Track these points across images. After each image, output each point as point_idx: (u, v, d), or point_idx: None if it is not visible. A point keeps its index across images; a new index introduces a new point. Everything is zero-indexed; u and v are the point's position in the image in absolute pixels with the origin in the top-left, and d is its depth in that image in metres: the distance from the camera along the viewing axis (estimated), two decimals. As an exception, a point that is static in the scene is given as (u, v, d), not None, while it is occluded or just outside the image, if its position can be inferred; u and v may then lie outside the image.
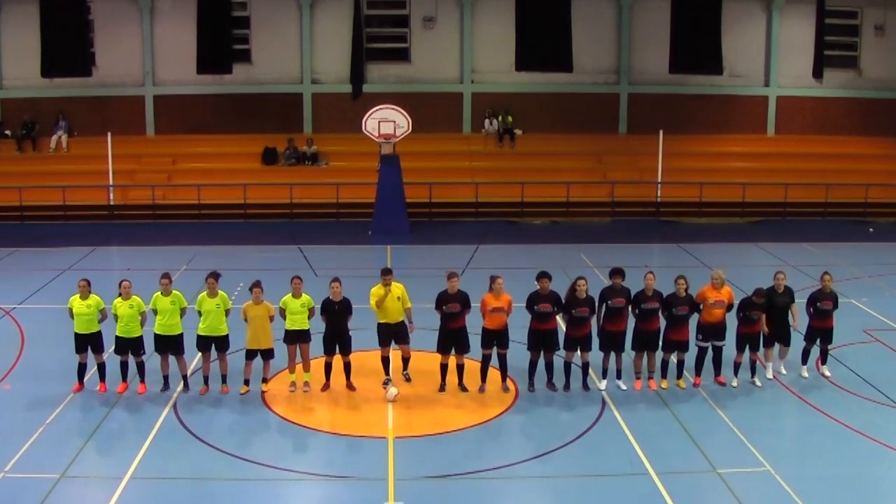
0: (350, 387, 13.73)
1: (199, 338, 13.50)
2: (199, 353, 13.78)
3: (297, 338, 13.57)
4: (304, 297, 13.61)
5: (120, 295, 13.36)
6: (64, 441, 11.77)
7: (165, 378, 13.55)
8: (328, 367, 13.74)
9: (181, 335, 13.50)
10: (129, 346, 13.41)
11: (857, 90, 33.04)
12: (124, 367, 13.52)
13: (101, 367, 13.52)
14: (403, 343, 13.83)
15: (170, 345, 13.44)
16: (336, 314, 13.51)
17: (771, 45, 32.74)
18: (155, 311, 13.37)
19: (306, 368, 13.76)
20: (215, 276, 13.63)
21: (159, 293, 13.39)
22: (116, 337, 13.43)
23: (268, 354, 13.59)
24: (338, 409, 13.12)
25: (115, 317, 13.32)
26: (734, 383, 13.98)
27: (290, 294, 13.60)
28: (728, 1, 30.01)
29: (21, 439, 11.71)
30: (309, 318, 13.62)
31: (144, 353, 13.55)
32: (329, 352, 13.66)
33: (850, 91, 33.01)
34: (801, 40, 31.49)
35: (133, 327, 13.35)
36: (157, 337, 13.45)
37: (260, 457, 11.44)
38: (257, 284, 13.47)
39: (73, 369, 13.48)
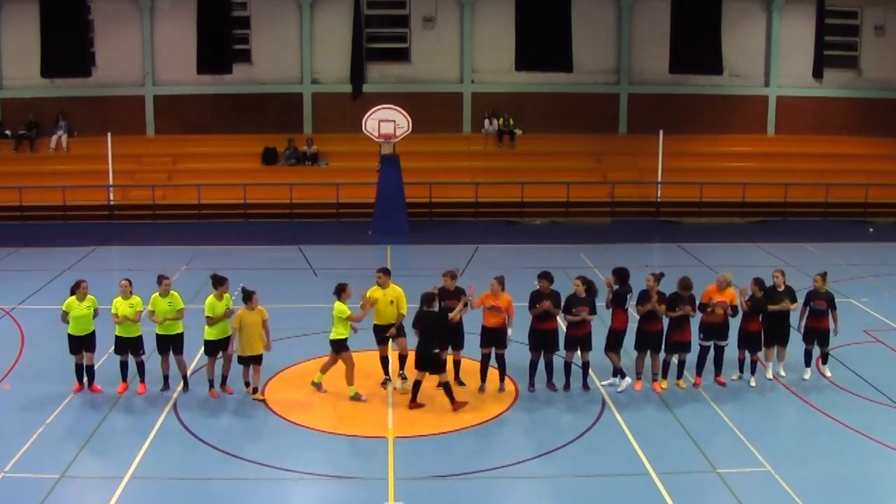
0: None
1: (211, 342, 13.30)
2: (205, 355, 13.56)
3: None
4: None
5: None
6: (64, 441, 11.77)
7: (165, 378, 13.51)
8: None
9: (182, 334, 13.46)
10: (129, 346, 13.38)
11: (857, 90, 33.05)
12: (124, 367, 13.48)
13: (91, 369, 13.47)
14: (399, 337, 13.77)
15: (171, 344, 13.38)
16: None
17: (771, 45, 32.74)
18: (152, 313, 13.25)
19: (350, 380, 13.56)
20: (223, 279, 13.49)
21: (157, 295, 13.32)
22: (116, 337, 13.39)
23: (258, 360, 13.36)
24: (338, 409, 13.11)
25: (116, 316, 13.25)
26: (734, 377, 14.01)
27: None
28: (728, 1, 30.02)
29: (21, 439, 11.70)
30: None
31: (144, 352, 13.52)
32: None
33: (850, 91, 33.02)
34: (801, 40, 31.50)
35: (133, 327, 13.32)
36: (159, 337, 13.40)
37: (260, 457, 11.44)
38: (252, 292, 13.22)
39: (73, 370, 13.43)
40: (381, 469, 11.15)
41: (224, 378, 13.55)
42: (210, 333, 13.29)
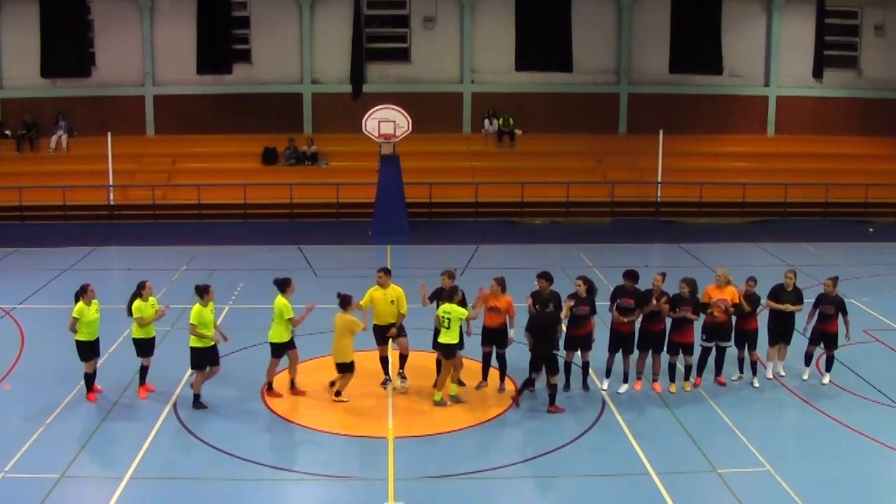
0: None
1: (278, 345, 13.20)
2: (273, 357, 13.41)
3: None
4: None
5: (139, 296, 12.98)
6: (64, 441, 11.76)
7: (197, 397, 12.93)
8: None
9: (216, 345, 13.11)
10: (148, 347, 13.16)
11: (857, 90, 33.06)
12: (145, 371, 13.27)
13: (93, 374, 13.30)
14: (401, 336, 13.76)
15: (212, 357, 12.98)
16: None
17: (771, 45, 32.75)
18: (194, 326, 12.71)
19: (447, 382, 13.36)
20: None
21: (199, 305, 12.77)
22: (138, 339, 13.10)
23: (347, 368, 13.11)
24: (338, 409, 13.09)
25: (137, 319, 12.94)
26: (734, 377, 14.03)
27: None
28: (728, 1, 30.07)
29: (21, 439, 11.70)
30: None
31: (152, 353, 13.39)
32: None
33: (850, 91, 33.03)
34: (801, 40, 31.51)
35: (151, 327, 13.15)
36: (199, 350, 12.81)
37: (260, 457, 11.44)
38: (349, 297, 13.02)
39: (73, 370, 13.34)
40: (381, 469, 11.15)
41: (292, 382, 13.43)
42: (283, 336, 13.14)
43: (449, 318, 12.94)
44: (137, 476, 10.85)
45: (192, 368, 12.98)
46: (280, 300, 13.13)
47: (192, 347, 12.86)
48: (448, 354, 13.07)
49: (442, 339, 13.03)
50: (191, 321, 12.73)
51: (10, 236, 25.85)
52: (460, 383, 13.77)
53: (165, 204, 29.14)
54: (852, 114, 33.07)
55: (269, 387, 13.47)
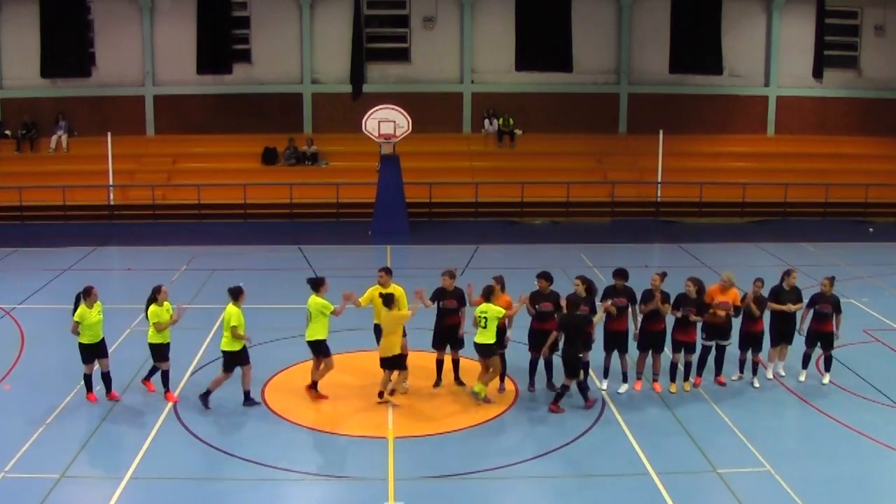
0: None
1: (322, 342, 13.14)
2: (317, 357, 13.33)
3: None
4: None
5: (154, 301, 12.87)
6: (64, 441, 11.75)
7: (208, 392, 12.96)
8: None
9: (245, 346, 13.02)
10: (164, 352, 13.05)
11: (857, 90, 33.06)
12: (166, 375, 13.18)
13: (108, 375, 13.19)
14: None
15: (244, 357, 12.92)
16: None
17: (771, 45, 32.75)
18: (235, 327, 12.60)
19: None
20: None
21: (236, 307, 12.71)
22: (156, 344, 12.98)
23: (396, 361, 13.06)
24: (338, 409, 13.10)
25: (155, 324, 12.83)
26: (735, 377, 14.02)
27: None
28: (728, 1, 30.07)
29: (21, 439, 11.70)
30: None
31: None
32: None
33: (850, 91, 33.03)
34: (801, 40, 31.52)
35: (168, 332, 13.05)
36: (234, 353, 12.77)
37: (260, 457, 11.43)
38: (391, 295, 13.02)
39: (73, 370, 13.32)
40: (381, 469, 11.15)
41: (314, 384, 13.35)
42: (322, 333, 13.09)
43: (486, 318, 12.97)
44: (137, 476, 10.85)
45: (223, 371, 12.90)
46: (316, 299, 13.07)
47: (225, 351, 12.81)
48: (486, 354, 13.10)
49: (479, 340, 13.08)
50: (233, 324, 12.62)
51: (10, 236, 25.85)
52: (460, 383, 13.78)
53: (165, 204, 29.14)
54: (852, 114, 33.07)
55: (314, 386, 13.36)
